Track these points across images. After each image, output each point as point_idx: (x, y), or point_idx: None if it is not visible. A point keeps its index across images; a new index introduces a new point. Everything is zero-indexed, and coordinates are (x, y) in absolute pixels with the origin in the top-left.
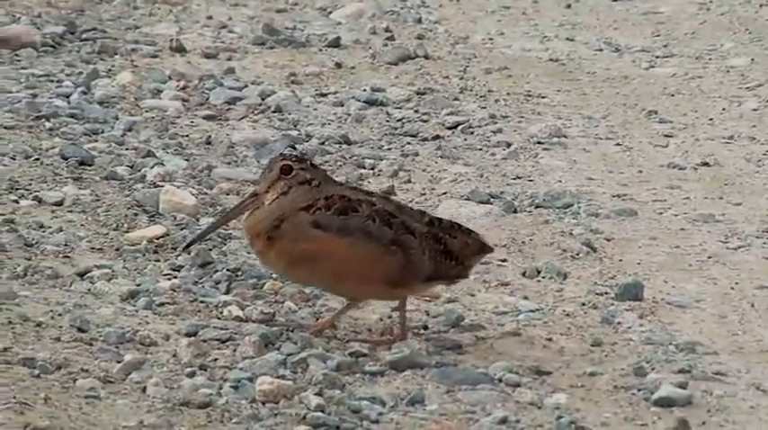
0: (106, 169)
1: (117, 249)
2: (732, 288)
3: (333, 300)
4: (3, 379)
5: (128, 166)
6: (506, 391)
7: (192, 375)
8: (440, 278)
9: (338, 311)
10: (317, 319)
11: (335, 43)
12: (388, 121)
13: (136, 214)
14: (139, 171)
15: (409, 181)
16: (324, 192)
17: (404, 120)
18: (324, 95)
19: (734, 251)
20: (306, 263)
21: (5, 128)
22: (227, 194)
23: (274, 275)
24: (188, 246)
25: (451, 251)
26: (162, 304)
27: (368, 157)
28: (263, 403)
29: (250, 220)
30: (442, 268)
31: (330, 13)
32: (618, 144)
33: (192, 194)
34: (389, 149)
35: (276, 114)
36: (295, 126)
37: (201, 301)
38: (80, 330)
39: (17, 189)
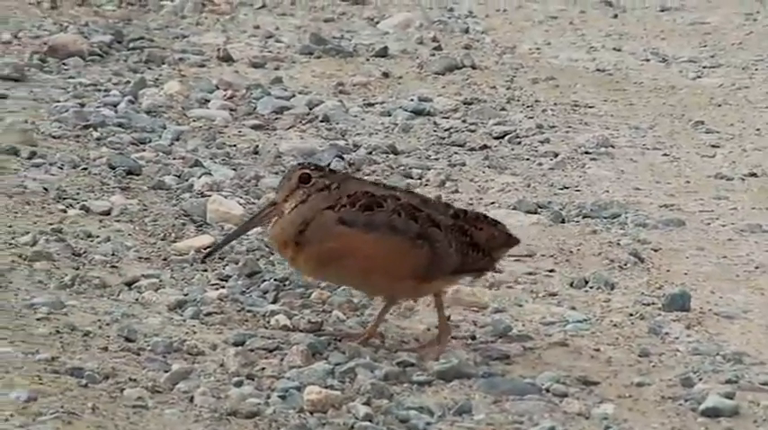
0: (154, 179)
1: (164, 259)
2: None
3: (378, 308)
4: (50, 388)
5: (175, 176)
6: (554, 402)
7: (239, 385)
8: (467, 271)
9: (377, 317)
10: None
11: (383, 53)
12: (435, 131)
13: (183, 224)
14: (187, 180)
15: (456, 191)
16: (345, 192)
17: (451, 130)
18: (371, 105)
19: None
20: (334, 261)
21: (53, 137)
22: None
23: (322, 284)
24: (207, 255)
25: (478, 243)
26: (209, 314)
27: (415, 167)
28: (311, 413)
29: (274, 231)
30: (469, 260)
31: (378, 22)
32: (665, 154)
33: (240, 204)
34: (437, 159)
35: (323, 124)
36: (342, 136)
37: (249, 311)
38: (128, 340)
39: (65, 198)
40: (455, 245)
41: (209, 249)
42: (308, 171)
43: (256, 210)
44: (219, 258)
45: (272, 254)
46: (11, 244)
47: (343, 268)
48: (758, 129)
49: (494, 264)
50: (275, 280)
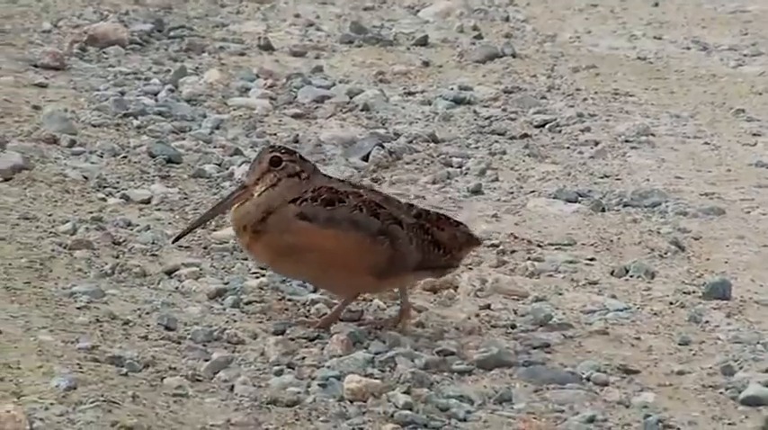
0: (194, 167)
1: (205, 247)
2: None
3: (422, 298)
4: (91, 377)
5: (215, 164)
6: (594, 390)
7: (279, 373)
8: (428, 268)
9: (336, 309)
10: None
11: (423, 42)
12: (475, 120)
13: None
14: (227, 169)
15: (497, 179)
16: (312, 185)
17: (491, 119)
18: (411, 94)
19: None
20: (292, 255)
21: (93, 125)
22: None
23: None
24: (177, 238)
25: (439, 241)
26: (249, 302)
27: (455, 156)
28: (351, 401)
29: (238, 213)
30: (431, 257)
31: (418, 11)
32: (706, 143)
33: None
34: (477, 148)
35: (364, 113)
36: (383, 124)
37: (289, 300)
38: (168, 328)
39: (105, 187)
40: (416, 242)
41: (179, 231)
42: (278, 154)
43: (226, 193)
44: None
45: None
46: (51, 232)
47: (301, 262)
48: None
49: (456, 263)
50: None
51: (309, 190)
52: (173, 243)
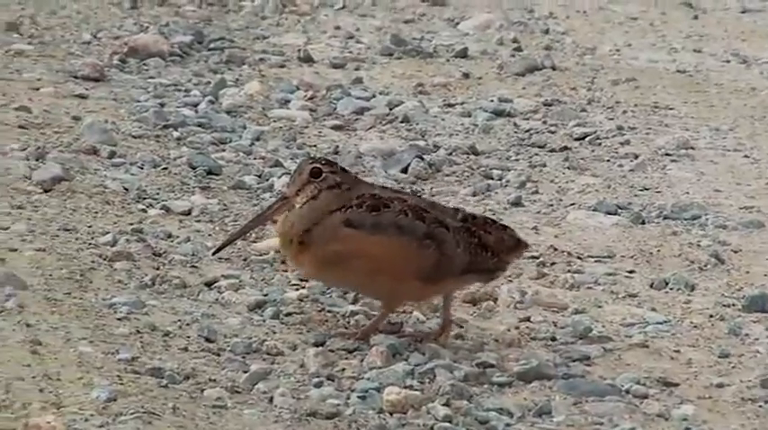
0: (234, 178)
1: (244, 259)
2: None
3: (462, 311)
4: (131, 389)
5: (255, 176)
6: (634, 403)
7: (319, 385)
8: (476, 271)
9: (376, 320)
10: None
11: (463, 54)
12: (515, 132)
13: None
14: (267, 180)
15: (536, 192)
16: (354, 195)
17: (531, 131)
18: (451, 106)
19: None
20: (339, 263)
21: (133, 137)
22: None
23: None
24: (218, 250)
25: (486, 244)
26: (289, 314)
27: (495, 168)
28: (391, 413)
29: (283, 226)
30: (478, 260)
31: (458, 23)
32: (745, 156)
33: None
34: (517, 160)
35: (404, 124)
36: (422, 136)
37: (329, 311)
38: (208, 340)
39: (145, 198)
40: (463, 245)
41: (219, 243)
42: (318, 165)
43: (266, 205)
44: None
45: None
46: (91, 244)
47: (348, 270)
48: None
49: (504, 266)
50: None
51: (353, 198)
52: (212, 255)
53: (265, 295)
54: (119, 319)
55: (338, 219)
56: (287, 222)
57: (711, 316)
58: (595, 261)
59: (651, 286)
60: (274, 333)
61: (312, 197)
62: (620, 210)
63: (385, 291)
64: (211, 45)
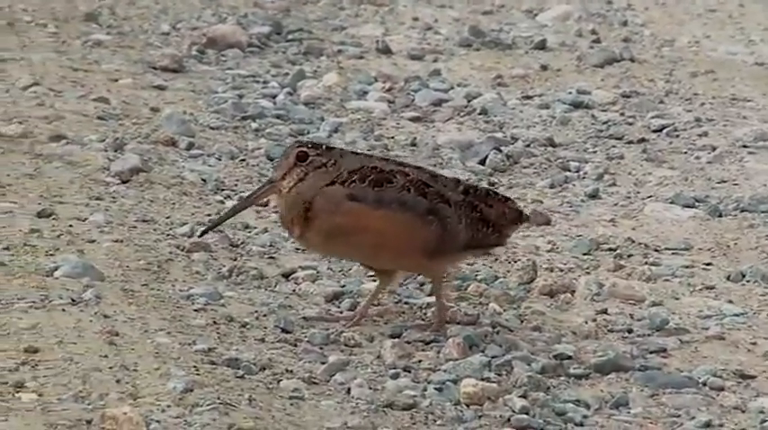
0: None
1: None
2: None
3: (539, 303)
4: (207, 379)
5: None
6: (710, 395)
7: (395, 377)
8: (477, 247)
9: (367, 300)
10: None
11: (541, 45)
12: (593, 124)
13: None
14: None
15: (614, 184)
16: (345, 166)
17: (609, 123)
18: (529, 98)
19: None
20: (343, 236)
21: (211, 128)
22: None
23: (479, 277)
24: (205, 232)
25: (488, 219)
26: (373, 305)
27: (573, 160)
28: (468, 405)
29: (281, 210)
30: (480, 236)
31: (536, 15)
32: None
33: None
34: (594, 152)
35: (482, 116)
36: (500, 128)
37: (406, 303)
38: (284, 331)
39: (223, 189)
40: (465, 220)
41: (206, 225)
42: (305, 149)
43: (254, 188)
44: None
45: None
46: (169, 235)
47: (352, 243)
48: None
49: (504, 241)
50: None
51: (344, 170)
52: (199, 236)
53: (343, 286)
54: (196, 310)
55: (341, 193)
56: (283, 205)
57: None
58: (672, 253)
59: (728, 278)
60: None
61: (300, 179)
62: (697, 203)
63: (388, 265)
64: (290, 36)
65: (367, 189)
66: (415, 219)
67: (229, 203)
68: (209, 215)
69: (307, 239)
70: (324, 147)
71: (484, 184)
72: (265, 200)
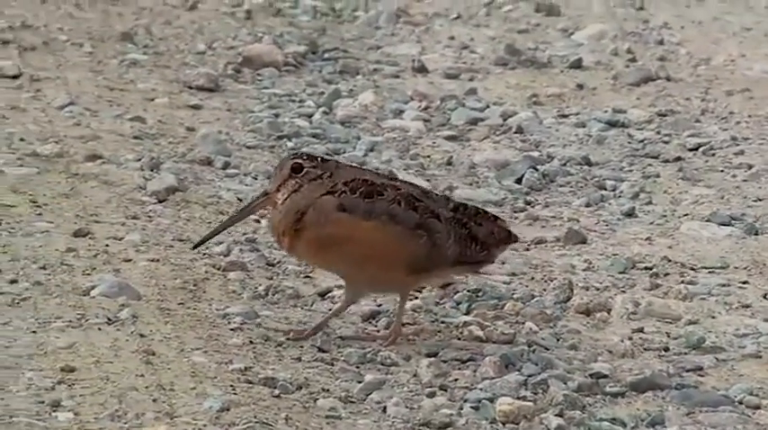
0: None
1: None
2: None
3: (575, 321)
4: (244, 398)
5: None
6: (747, 414)
7: (432, 395)
8: (465, 263)
9: (398, 312)
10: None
11: (577, 64)
12: (629, 143)
13: None
14: None
15: (650, 202)
16: (340, 178)
17: (645, 142)
18: (565, 116)
19: None
20: (332, 247)
21: (247, 147)
22: None
23: (516, 296)
24: (198, 245)
25: (477, 236)
26: (402, 325)
27: (609, 179)
28: (504, 424)
29: (272, 221)
30: (468, 252)
31: (572, 34)
32: None
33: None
34: (630, 171)
35: (518, 135)
36: (536, 147)
37: (442, 322)
38: (321, 350)
39: None
40: (454, 236)
41: (201, 237)
42: (300, 161)
43: (248, 200)
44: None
45: None
46: (205, 254)
47: (340, 255)
48: None
49: (492, 259)
50: (468, 291)
51: (340, 182)
52: (193, 248)
53: (379, 306)
54: (232, 329)
55: (332, 204)
56: (275, 218)
57: None
58: (709, 272)
59: (765, 297)
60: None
61: (294, 191)
62: (733, 221)
63: (372, 279)
64: (325, 55)
65: (358, 200)
66: (404, 233)
67: (265, 223)
68: (245, 234)
69: (296, 250)
70: (319, 159)
71: (520, 203)
72: (261, 211)
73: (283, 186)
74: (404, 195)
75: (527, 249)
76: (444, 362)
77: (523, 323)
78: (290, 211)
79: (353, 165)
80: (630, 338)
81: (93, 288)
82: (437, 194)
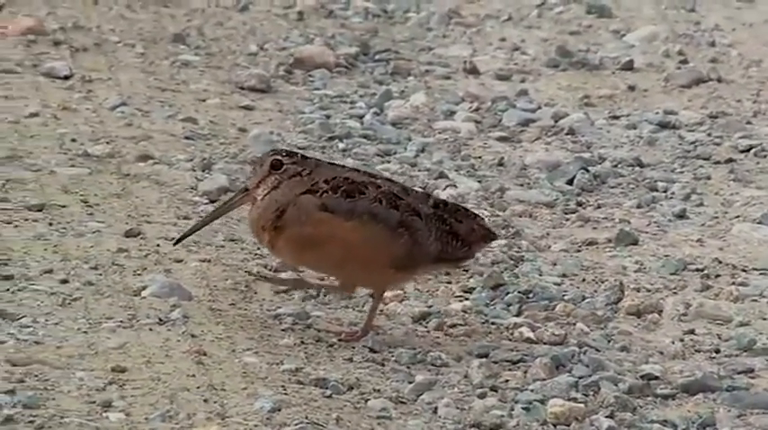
0: None
1: None
2: None
3: (626, 323)
4: (295, 399)
5: (420, 187)
6: None
7: (482, 396)
8: (446, 260)
9: (369, 311)
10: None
11: (629, 66)
12: (680, 144)
13: None
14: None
15: (701, 204)
16: (320, 176)
17: (696, 144)
18: (617, 118)
19: None
20: (314, 246)
21: (299, 148)
22: (520, 216)
23: (566, 297)
24: (179, 240)
25: (457, 233)
26: (453, 325)
27: (660, 180)
28: (554, 425)
29: (251, 216)
30: (449, 249)
31: (623, 35)
32: None
33: (484, 216)
34: (682, 172)
35: (569, 136)
36: (588, 148)
37: (493, 323)
38: (372, 351)
39: None
40: (435, 234)
41: (181, 234)
42: (279, 157)
43: (228, 197)
44: (463, 271)
45: (517, 266)
46: (256, 254)
47: (321, 254)
48: None
49: (472, 256)
50: (519, 292)
51: (320, 180)
52: (174, 245)
53: (430, 306)
54: (283, 330)
55: (313, 203)
56: (254, 213)
57: None
58: (760, 273)
59: None
60: (439, 344)
61: (273, 187)
62: None
63: (354, 277)
64: (377, 56)
65: (339, 199)
66: (385, 231)
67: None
68: None
69: (277, 248)
70: (299, 155)
71: (572, 205)
72: (238, 208)
73: (263, 183)
74: (385, 193)
75: (578, 250)
76: (495, 363)
77: (574, 324)
78: (269, 208)
79: (333, 162)
80: (681, 340)
81: (144, 288)
82: (417, 191)
